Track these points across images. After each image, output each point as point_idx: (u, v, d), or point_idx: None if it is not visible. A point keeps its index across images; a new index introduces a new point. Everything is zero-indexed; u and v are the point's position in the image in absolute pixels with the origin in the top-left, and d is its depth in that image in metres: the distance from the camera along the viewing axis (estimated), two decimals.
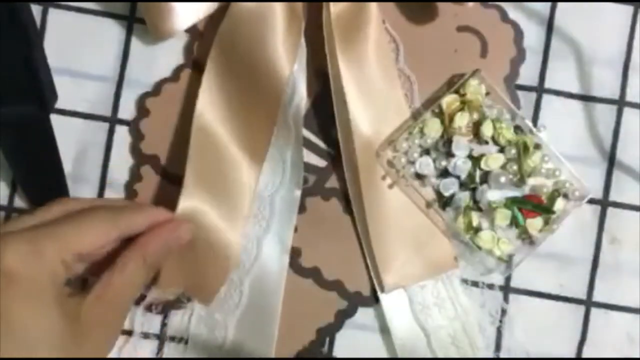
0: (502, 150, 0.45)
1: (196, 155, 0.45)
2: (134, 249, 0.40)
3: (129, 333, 0.47)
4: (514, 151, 0.45)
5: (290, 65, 0.44)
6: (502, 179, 0.44)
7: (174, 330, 0.47)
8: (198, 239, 0.45)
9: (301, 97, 0.46)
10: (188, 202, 0.44)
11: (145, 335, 0.47)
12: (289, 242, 0.47)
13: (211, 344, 0.47)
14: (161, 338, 0.47)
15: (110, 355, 0.46)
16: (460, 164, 0.44)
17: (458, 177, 0.45)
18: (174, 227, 0.43)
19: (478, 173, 0.45)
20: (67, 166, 0.47)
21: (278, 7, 0.43)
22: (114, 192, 0.47)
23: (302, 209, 0.47)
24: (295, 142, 0.46)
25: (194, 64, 0.47)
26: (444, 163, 0.45)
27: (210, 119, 0.45)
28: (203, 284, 0.46)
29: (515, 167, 0.45)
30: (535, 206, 0.45)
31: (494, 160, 0.45)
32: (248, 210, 0.45)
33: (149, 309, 0.46)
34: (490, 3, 0.47)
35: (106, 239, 0.40)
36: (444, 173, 0.45)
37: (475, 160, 0.45)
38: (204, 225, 0.45)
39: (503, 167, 0.45)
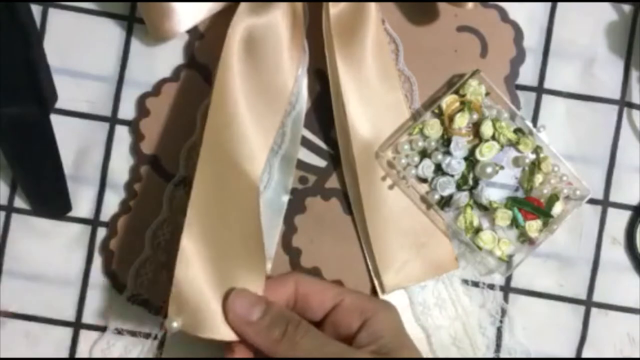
0: (501, 150, 0.45)
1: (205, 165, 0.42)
2: None
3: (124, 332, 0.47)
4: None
5: (295, 71, 0.44)
6: (489, 170, 0.44)
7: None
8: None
9: (303, 103, 0.46)
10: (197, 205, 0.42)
11: (141, 334, 0.47)
12: (274, 247, 0.46)
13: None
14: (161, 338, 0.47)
15: (111, 355, 0.47)
16: (455, 163, 0.45)
17: (452, 177, 0.45)
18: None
19: (472, 175, 0.45)
20: (67, 166, 0.47)
21: (280, 12, 0.43)
22: (114, 192, 0.47)
23: (302, 209, 0.47)
24: (290, 147, 0.46)
25: (194, 64, 0.47)
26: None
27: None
28: None
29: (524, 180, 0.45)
30: (535, 209, 0.45)
31: (488, 149, 0.45)
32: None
33: None
34: (490, 3, 0.47)
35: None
36: (443, 173, 0.45)
37: (470, 162, 0.45)
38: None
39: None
